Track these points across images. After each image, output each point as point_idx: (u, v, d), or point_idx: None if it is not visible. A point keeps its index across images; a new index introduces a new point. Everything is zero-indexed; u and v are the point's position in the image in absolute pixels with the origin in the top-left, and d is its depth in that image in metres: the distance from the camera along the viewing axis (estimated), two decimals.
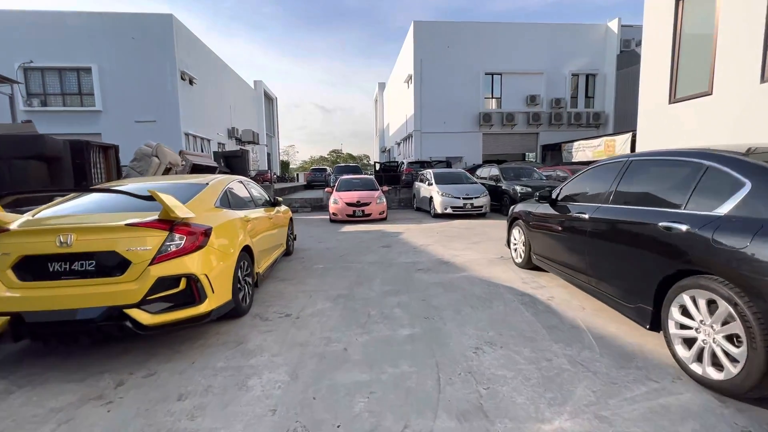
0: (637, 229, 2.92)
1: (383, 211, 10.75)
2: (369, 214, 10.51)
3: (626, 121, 23.12)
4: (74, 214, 3.36)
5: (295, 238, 7.17)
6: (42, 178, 6.02)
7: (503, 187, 11.74)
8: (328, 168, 25.51)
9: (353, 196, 10.79)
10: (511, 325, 3.37)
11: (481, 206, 10.90)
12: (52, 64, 21.50)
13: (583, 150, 19.84)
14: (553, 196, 4.42)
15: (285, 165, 51.47)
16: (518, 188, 11.07)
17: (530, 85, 23.08)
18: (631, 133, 16.94)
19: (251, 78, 37.87)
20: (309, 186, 23.79)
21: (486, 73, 22.89)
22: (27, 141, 6.04)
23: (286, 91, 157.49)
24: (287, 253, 6.43)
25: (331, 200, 10.87)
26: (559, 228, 4.13)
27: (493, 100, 23.37)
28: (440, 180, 11.82)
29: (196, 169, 9.50)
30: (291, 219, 6.91)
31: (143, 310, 2.77)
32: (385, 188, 11.80)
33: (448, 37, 22.47)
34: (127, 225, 2.86)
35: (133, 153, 8.69)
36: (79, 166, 6.76)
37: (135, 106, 22.04)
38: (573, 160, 20.20)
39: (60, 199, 3.83)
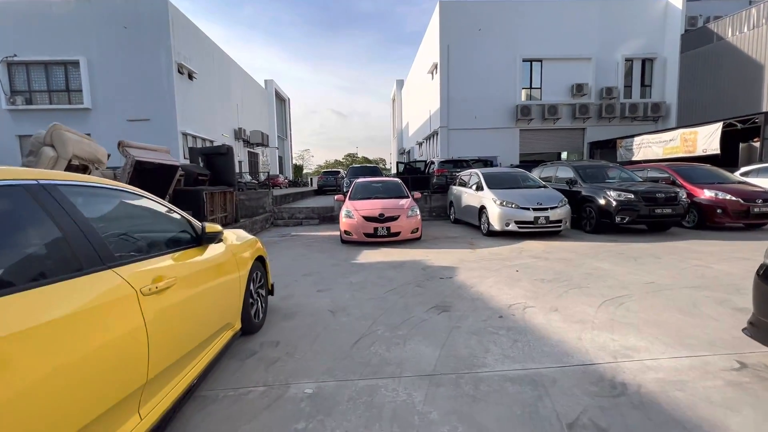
0: None
1: (417, 228, 7.29)
2: (397, 233, 7.07)
3: (693, 112, 19.16)
4: None
5: (270, 292, 3.76)
6: None
7: (584, 193, 8.13)
8: (341, 170, 22.17)
9: (374, 206, 7.37)
10: None
11: (560, 221, 7.33)
12: (37, 57, 18.90)
13: (649, 146, 15.98)
14: None
15: (298, 169, 48.60)
16: (614, 194, 7.44)
17: (576, 72, 19.33)
18: (721, 123, 13.08)
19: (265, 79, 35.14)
20: (320, 191, 20.50)
21: (524, 60, 19.25)
22: None
23: (303, 98, 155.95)
24: (246, 330, 3.04)
25: (343, 212, 7.47)
26: None
27: (532, 90, 19.69)
28: (494, 183, 8.30)
29: (143, 169, 6.26)
30: (262, 261, 3.52)
31: None
32: (417, 195, 8.38)
33: (479, 18, 18.95)
34: None
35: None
36: None
37: (127, 103, 19.26)
38: (633, 159, 16.37)
39: None
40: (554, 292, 4.02)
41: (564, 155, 21.12)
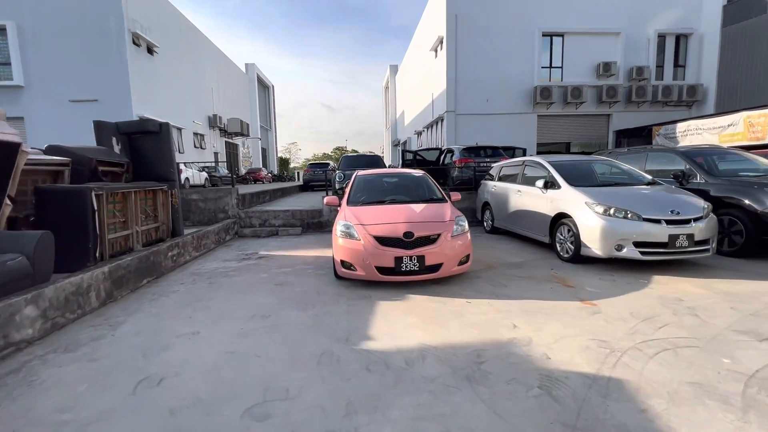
0: None
1: (467, 256, 4.08)
2: (436, 267, 3.85)
3: (735, 96, 16.39)
4: None
5: None
6: None
7: (716, 193, 5.05)
8: (331, 163, 18.68)
9: (393, 217, 4.13)
10: None
11: (707, 241, 4.25)
12: None
13: (699, 133, 13.10)
14: None
15: (284, 162, 44.77)
16: None
17: (602, 49, 16.32)
18: None
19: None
20: (306, 187, 17.03)
21: (544, 34, 16.13)
22: None
23: (292, 91, 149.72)
24: None
25: (338, 228, 4.18)
26: None
27: (552, 69, 16.61)
28: (575, 177, 5.15)
29: None
30: None
31: None
32: (456, 196, 5.15)
33: None
34: None
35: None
36: None
37: (70, 79, 15.45)
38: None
39: None
40: None
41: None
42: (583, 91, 15.94)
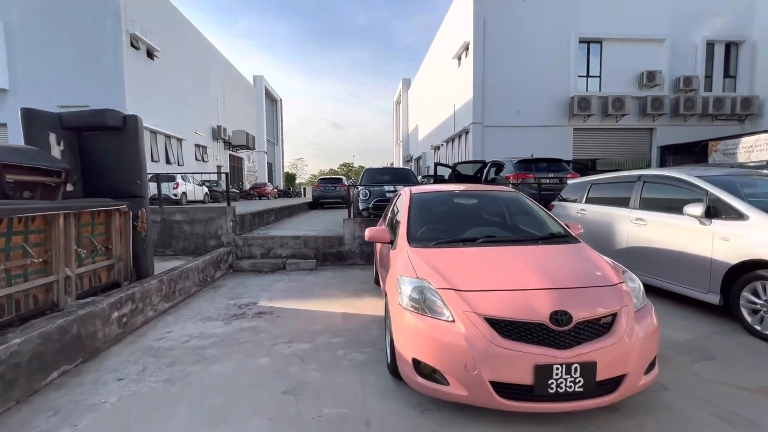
0: None
1: (655, 359, 2.07)
2: (615, 383, 1.87)
3: None
4: None
5: None
6: None
7: None
8: (343, 178, 16.79)
9: (518, 278, 2.15)
10: None
11: None
12: None
13: (764, 149, 11.21)
14: None
15: (290, 178, 43.13)
16: None
17: (645, 57, 14.62)
18: None
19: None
20: (316, 204, 15.07)
21: (581, 40, 14.48)
22: None
23: (298, 108, 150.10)
24: None
25: (405, 290, 2.21)
26: None
27: (590, 79, 14.89)
28: (759, 201, 3.22)
29: None
30: None
31: None
32: (578, 228, 3.22)
33: None
34: None
35: None
36: None
37: (59, 83, 13.84)
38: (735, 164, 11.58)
39: None
40: None
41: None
42: (626, 102, 14.16)
